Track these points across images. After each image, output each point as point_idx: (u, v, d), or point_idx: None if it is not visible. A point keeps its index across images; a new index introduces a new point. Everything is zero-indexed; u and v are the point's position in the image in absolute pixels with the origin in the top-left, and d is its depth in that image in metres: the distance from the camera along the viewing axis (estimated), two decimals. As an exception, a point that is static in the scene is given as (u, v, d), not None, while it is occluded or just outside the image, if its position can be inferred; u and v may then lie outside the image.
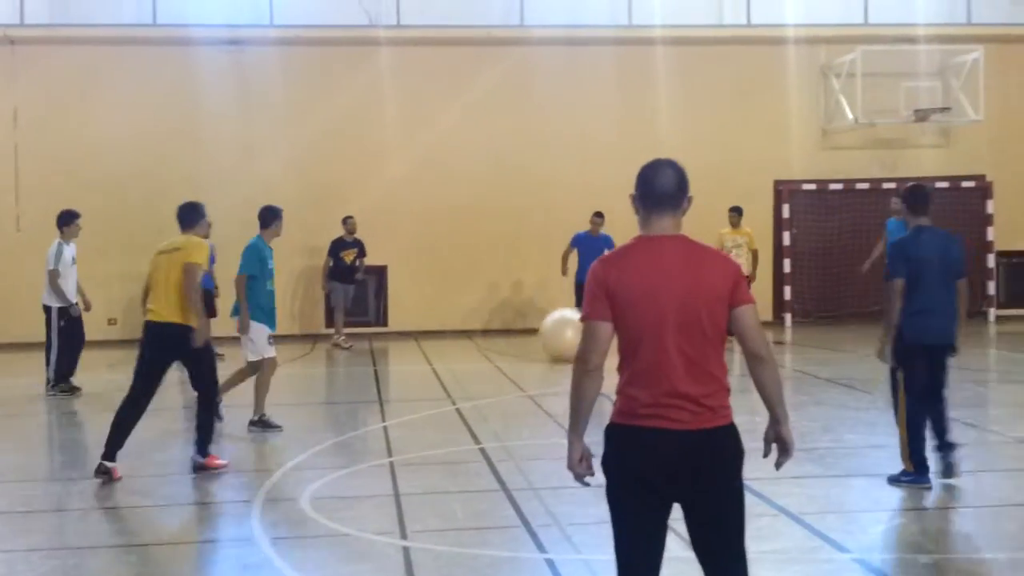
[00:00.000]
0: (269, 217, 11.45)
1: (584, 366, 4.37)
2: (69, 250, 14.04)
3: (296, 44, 20.70)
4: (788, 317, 21.22)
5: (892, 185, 20.87)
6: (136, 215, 19.41)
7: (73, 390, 14.02)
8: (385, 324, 21.34)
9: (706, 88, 21.38)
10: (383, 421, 11.78)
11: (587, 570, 6.88)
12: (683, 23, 21.14)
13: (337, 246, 19.43)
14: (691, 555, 4.42)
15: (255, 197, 19.86)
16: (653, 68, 21.16)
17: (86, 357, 14.48)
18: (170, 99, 20.39)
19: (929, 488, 8.31)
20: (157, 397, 9.45)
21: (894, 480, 8.53)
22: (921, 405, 8.34)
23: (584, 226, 18.06)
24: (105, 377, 14.47)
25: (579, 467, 4.46)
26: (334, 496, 8.54)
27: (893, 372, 8.47)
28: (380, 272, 21.06)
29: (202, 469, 9.35)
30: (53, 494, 9.00)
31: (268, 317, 11.26)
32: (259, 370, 11.36)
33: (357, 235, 19.46)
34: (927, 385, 8.35)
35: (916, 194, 8.49)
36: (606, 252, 4.70)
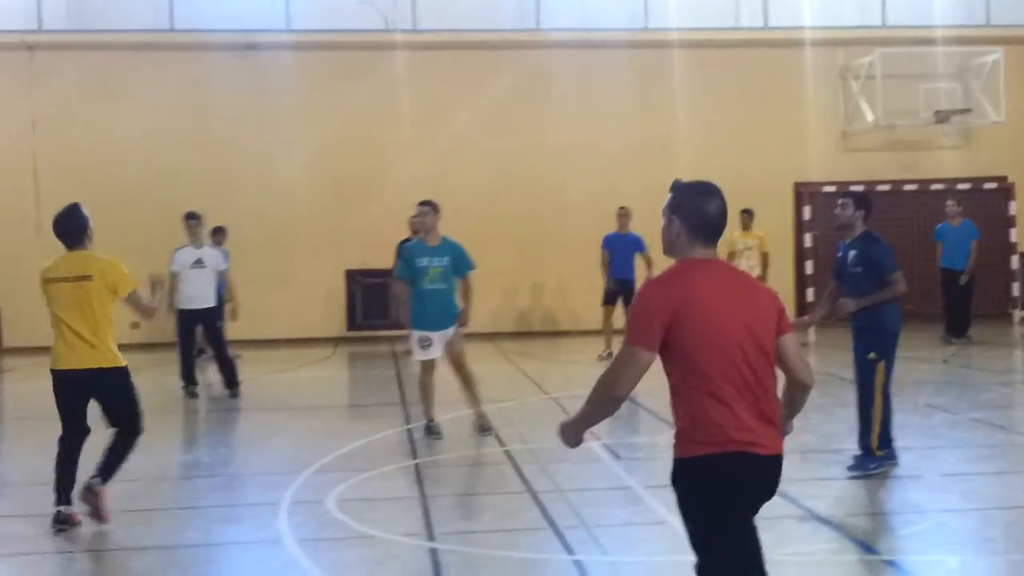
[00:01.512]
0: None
1: (612, 393, 4.20)
2: (189, 254, 13.73)
3: (312, 48, 20.70)
4: (809, 319, 21.10)
5: (913, 187, 20.80)
6: (153, 221, 19.34)
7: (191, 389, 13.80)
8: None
9: (723, 91, 21.30)
10: (407, 424, 11.75)
11: (614, 572, 6.86)
12: (700, 26, 21.07)
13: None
14: (690, 557, 4.37)
15: (270, 201, 20.21)
16: (669, 71, 21.07)
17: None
18: (187, 104, 20.42)
19: (897, 463, 8.83)
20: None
21: (863, 469, 8.73)
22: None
23: (601, 228, 17.90)
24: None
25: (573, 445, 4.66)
26: (360, 498, 8.52)
27: (872, 363, 8.76)
28: (399, 276, 21.01)
29: (90, 500, 7.66)
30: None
31: (419, 319, 11.03)
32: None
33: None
34: None
35: (870, 201, 8.99)
36: (644, 260, 4.63)
